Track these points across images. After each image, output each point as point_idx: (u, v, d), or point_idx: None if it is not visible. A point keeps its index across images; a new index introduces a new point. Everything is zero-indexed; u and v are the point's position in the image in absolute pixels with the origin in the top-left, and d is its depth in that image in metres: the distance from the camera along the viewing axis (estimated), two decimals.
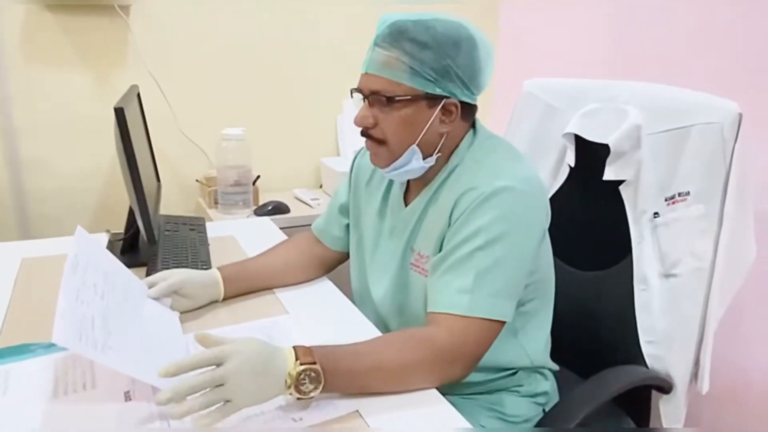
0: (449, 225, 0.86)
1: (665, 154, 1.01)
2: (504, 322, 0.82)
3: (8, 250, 1.21)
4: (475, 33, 0.86)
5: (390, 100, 0.85)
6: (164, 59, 1.79)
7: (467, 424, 0.72)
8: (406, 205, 0.97)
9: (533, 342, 0.96)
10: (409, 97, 0.84)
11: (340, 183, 1.14)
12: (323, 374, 0.70)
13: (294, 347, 0.71)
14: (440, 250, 0.87)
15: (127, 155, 1.01)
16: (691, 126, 0.98)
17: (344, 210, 1.11)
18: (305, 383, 0.69)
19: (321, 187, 2.08)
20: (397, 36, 0.83)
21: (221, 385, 0.65)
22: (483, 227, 0.81)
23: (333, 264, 1.15)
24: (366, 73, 0.87)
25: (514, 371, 0.96)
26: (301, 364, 0.69)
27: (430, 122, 0.86)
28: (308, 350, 0.72)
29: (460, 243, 0.83)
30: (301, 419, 0.71)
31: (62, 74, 1.70)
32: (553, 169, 1.19)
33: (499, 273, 0.81)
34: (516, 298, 0.85)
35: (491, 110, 2.19)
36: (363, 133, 0.90)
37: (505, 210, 0.82)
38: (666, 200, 1.02)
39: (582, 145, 1.11)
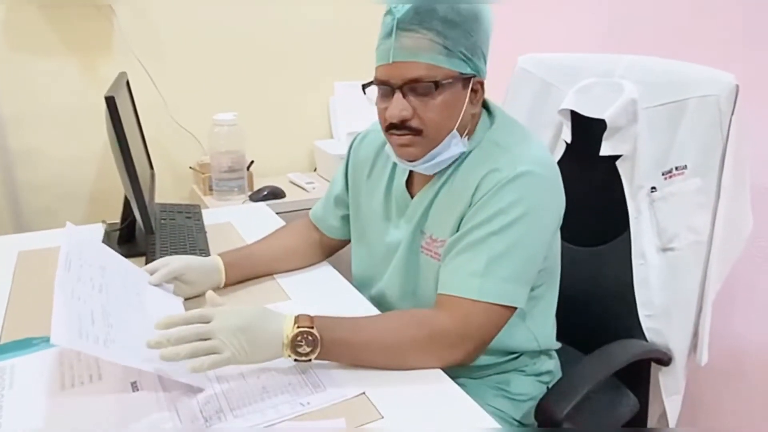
0: (470, 205, 0.84)
1: (662, 127, 1.01)
2: (515, 308, 0.81)
3: (4, 244, 1.20)
4: (486, 6, 0.83)
5: (436, 86, 0.79)
6: (152, 45, 1.76)
7: (474, 404, 0.73)
8: (409, 192, 0.94)
9: (541, 326, 0.96)
10: (450, 80, 0.79)
11: (337, 172, 1.11)
12: (321, 340, 0.73)
13: (296, 315, 0.75)
14: (458, 231, 0.85)
15: (120, 144, 0.99)
16: (688, 99, 0.98)
17: (340, 201, 1.09)
18: (302, 345, 0.73)
19: (315, 170, 2.07)
20: (426, 16, 0.77)
21: (209, 339, 0.69)
22: (501, 210, 0.80)
23: (333, 249, 1.15)
24: (393, 63, 0.79)
25: (521, 353, 0.96)
26: (299, 327, 0.73)
27: (465, 105, 0.83)
28: (309, 317, 0.75)
29: (477, 225, 0.81)
30: (308, 404, 0.71)
31: (49, 64, 1.67)
32: (549, 146, 1.19)
33: (513, 258, 0.80)
34: (529, 284, 0.84)
35: (491, 86, 2.17)
36: (393, 127, 0.83)
37: (525, 194, 0.80)
38: (663, 174, 1.02)
39: (578, 121, 1.10)
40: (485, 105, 0.91)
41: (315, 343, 0.73)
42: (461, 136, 0.86)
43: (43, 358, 0.78)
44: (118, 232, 1.22)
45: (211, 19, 1.82)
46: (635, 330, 1.04)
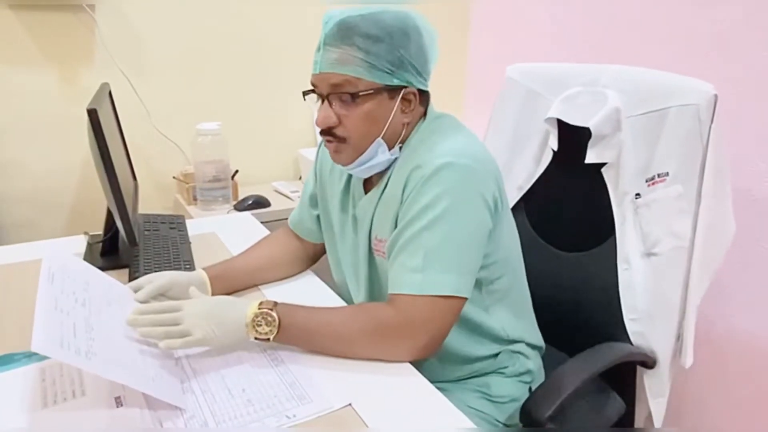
0: (401, 203, 0.87)
1: (644, 136, 1.03)
2: (462, 299, 0.83)
3: None
4: (419, 21, 0.87)
5: (354, 96, 0.84)
6: (134, 55, 1.74)
7: (458, 412, 0.73)
8: (366, 194, 0.97)
9: (507, 318, 0.98)
10: (371, 91, 0.85)
11: (309, 173, 1.14)
12: (278, 321, 0.80)
13: (262, 300, 0.82)
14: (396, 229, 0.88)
15: (103, 157, 0.98)
16: (668, 108, 0.99)
17: (313, 201, 1.11)
18: (261, 325, 0.80)
19: (300, 178, 2.07)
20: (347, 32, 0.83)
21: (180, 324, 0.78)
22: (428, 205, 0.83)
23: (315, 256, 1.15)
24: (321, 73, 0.85)
25: (496, 352, 0.98)
26: (260, 308, 0.80)
27: (393, 113, 0.87)
28: (273, 302, 0.82)
29: (408, 222, 0.84)
30: (294, 416, 0.71)
31: (29, 74, 1.64)
32: (536, 154, 1.21)
33: (449, 249, 0.82)
34: (472, 273, 0.86)
35: (474, 96, 2.19)
36: (324, 132, 0.89)
37: (447, 186, 0.83)
38: (647, 181, 1.03)
39: (564, 129, 1.12)
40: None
41: (273, 324, 0.80)
42: (393, 143, 0.90)
43: (24, 374, 0.77)
44: (100, 244, 1.20)
45: (194, 28, 1.81)
46: (620, 333, 1.05)
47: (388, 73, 0.84)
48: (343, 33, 0.83)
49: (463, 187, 0.84)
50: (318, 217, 1.11)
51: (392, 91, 0.86)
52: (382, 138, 0.88)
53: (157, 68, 1.79)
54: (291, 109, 2.03)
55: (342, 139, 0.88)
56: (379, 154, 0.89)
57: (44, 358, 0.78)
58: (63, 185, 1.76)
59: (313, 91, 0.89)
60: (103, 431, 0.67)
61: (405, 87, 0.87)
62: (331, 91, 0.85)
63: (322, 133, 0.90)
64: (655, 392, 1.05)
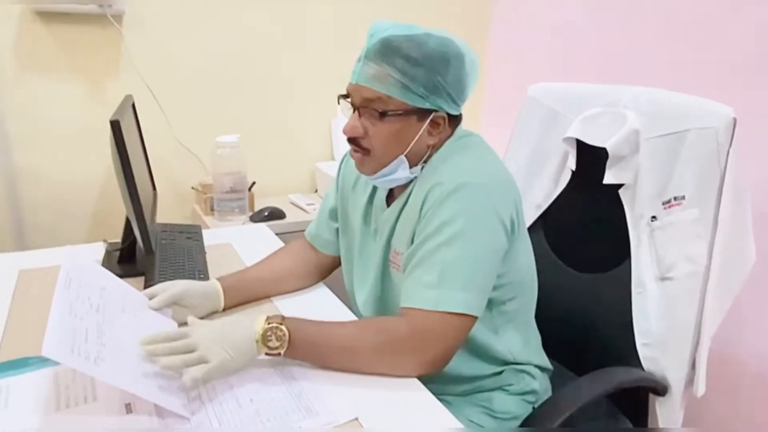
0: (420, 218, 0.88)
1: (662, 158, 1.02)
2: (474, 317, 0.83)
3: (5, 262, 1.20)
4: (463, 48, 0.89)
5: (382, 114, 0.86)
6: (158, 68, 1.79)
7: (462, 429, 0.73)
8: (388, 207, 0.98)
9: (515, 340, 0.98)
10: (400, 112, 0.86)
11: (330, 187, 1.15)
12: (288, 336, 0.79)
13: (268, 315, 0.81)
14: (413, 243, 0.89)
15: (124, 168, 1.01)
16: (687, 131, 0.99)
17: (334, 214, 1.13)
18: (271, 339, 0.79)
19: (316, 191, 2.08)
20: (389, 52, 0.84)
21: (195, 351, 0.75)
22: (446, 222, 0.84)
23: (328, 269, 1.16)
24: (356, 84, 0.87)
25: (501, 370, 0.98)
26: (269, 323, 0.79)
27: (419, 135, 0.89)
28: (280, 316, 0.81)
29: (426, 238, 0.85)
30: (300, 428, 0.71)
31: (56, 85, 1.69)
32: (555, 173, 1.21)
33: (465, 267, 0.83)
34: (485, 293, 0.86)
35: (491, 114, 2.20)
36: (350, 141, 0.91)
37: (466, 205, 0.84)
38: (663, 204, 1.02)
39: (584, 149, 1.12)
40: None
41: (283, 339, 0.79)
42: (415, 162, 0.92)
43: (38, 378, 0.78)
44: (118, 252, 1.23)
45: (216, 43, 1.86)
46: (632, 358, 1.03)
47: (421, 96, 0.86)
48: (385, 51, 0.84)
49: (481, 207, 0.84)
50: (337, 230, 1.12)
51: (422, 113, 0.87)
52: (405, 156, 0.89)
53: (180, 81, 1.83)
54: (309, 124, 2.06)
55: (366, 151, 0.90)
56: (399, 171, 0.91)
57: (58, 362, 0.80)
58: (85, 193, 1.80)
59: (346, 96, 0.91)
60: None
61: (435, 111, 0.88)
62: (362, 104, 0.88)
63: (348, 140, 0.92)
64: (667, 420, 1.03)
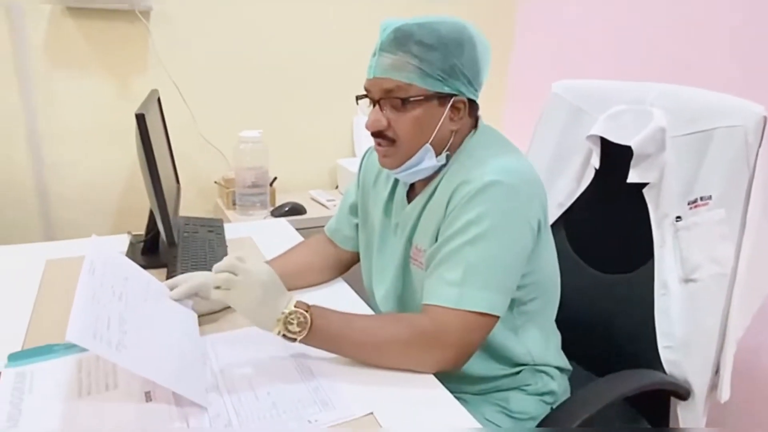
0: (445, 216, 0.88)
1: (689, 157, 1.00)
2: (496, 317, 0.83)
3: (33, 252, 1.23)
4: (474, 33, 0.88)
5: (404, 102, 0.86)
6: (184, 63, 1.82)
7: (478, 427, 0.72)
8: (409, 202, 0.98)
9: (535, 341, 0.97)
10: (421, 97, 0.86)
11: (351, 183, 1.16)
12: (310, 324, 0.79)
13: (297, 299, 0.82)
14: (436, 242, 0.89)
15: (148, 161, 1.02)
16: (715, 129, 0.96)
17: (354, 209, 1.13)
18: (293, 324, 0.79)
19: (337, 188, 2.09)
20: (403, 40, 0.85)
21: (228, 288, 0.79)
22: (472, 221, 0.83)
23: (347, 264, 1.16)
24: (374, 78, 0.88)
25: (519, 370, 0.97)
26: (295, 307, 0.80)
27: (441, 121, 0.88)
28: (306, 303, 0.82)
29: (451, 236, 0.85)
30: (316, 421, 0.71)
31: (84, 79, 1.73)
32: (578, 171, 1.19)
33: (489, 267, 0.82)
34: (508, 293, 0.86)
35: (514, 110, 2.18)
36: (374, 135, 0.92)
37: (493, 204, 0.83)
38: (689, 204, 1.00)
39: (608, 148, 1.10)
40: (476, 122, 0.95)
41: (304, 325, 0.79)
42: (440, 150, 0.91)
43: (62, 364, 0.80)
44: (142, 243, 1.25)
45: (241, 39, 1.88)
46: (654, 361, 1.01)
47: (439, 80, 0.85)
48: (399, 40, 0.85)
49: (509, 207, 0.84)
50: (356, 225, 1.12)
51: (442, 98, 0.87)
52: (430, 144, 0.89)
53: (205, 77, 1.86)
54: (331, 120, 2.07)
55: (391, 142, 0.90)
56: (426, 160, 0.90)
57: (82, 350, 0.82)
58: (111, 187, 1.84)
59: (365, 95, 0.91)
60: (132, 424, 0.69)
61: (455, 95, 0.88)
62: (382, 96, 0.87)
63: (372, 135, 0.92)
64: (689, 425, 1.01)
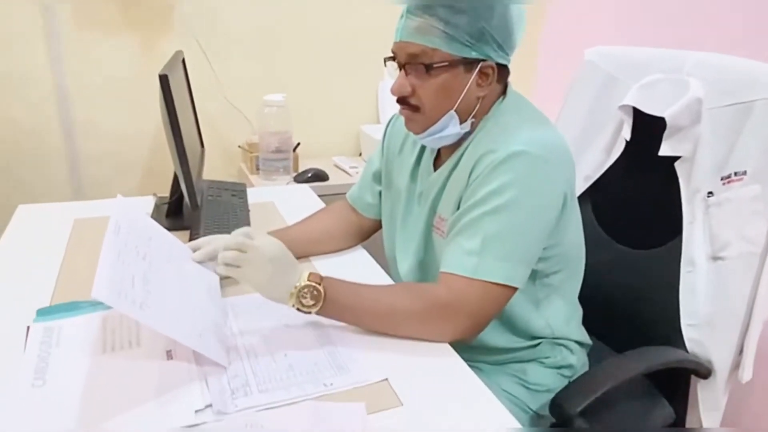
0: (467, 185, 0.86)
1: (725, 130, 0.96)
2: (514, 288, 0.82)
3: (62, 211, 1.27)
4: None
5: (428, 68, 0.84)
6: (209, 26, 1.80)
7: (493, 399, 0.72)
8: (435, 171, 0.97)
9: (556, 314, 0.96)
10: (446, 63, 0.83)
11: (374, 150, 1.15)
12: (324, 297, 0.80)
13: (310, 272, 0.82)
14: (458, 210, 0.87)
15: (171, 122, 1.03)
16: (755, 101, 0.92)
17: (377, 177, 1.12)
18: (306, 297, 0.79)
19: (360, 155, 2.08)
20: (430, 2, 0.82)
21: (238, 266, 0.80)
22: (494, 191, 0.81)
23: (368, 232, 1.16)
24: (400, 41, 0.86)
25: (537, 342, 0.97)
26: (308, 281, 0.80)
27: (467, 87, 0.86)
28: (319, 275, 0.81)
29: (472, 205, 0.83)
30: (332, 384, 0.72)
31: (112, 39, 1.74)
32: (608, 143, 1.15)
33: (509, 238, 0.81)
34: (529, 265, 0.85)
35: (546, 78, 2.12)
36: (399, 101, 0.90)
37: (518, 175, 0.81)
38: (722, 179, 0.97)
39: (640, 119, 1.06)
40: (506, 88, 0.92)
41: (318, 298, 0.80)
42: (466, 117, 0.89)
43: (88, 321, 0.83)
44: (166, 205, 1.27)
45: (268, 2, 1.85)
46: (676, 338, 1.00)
47: (467, 45, 0.83)
48: (426, 2, 0.82)
49: (534, 179, 0.82)
50: (378, 193, 1.11)
51: (469, 64, 0.84)
52: (455, 111, 0.87)
53: (231, 40, 1.84)
54: (355, 86, 2.04)
55: (415, 108, 0.88)
56: (450, 127, 0.88)
57: (107, 307, 0.84)
58: (139, 148, 1.86)
59: (393, 58, 0.89)
60: (153, 381, 0.71)
61: (483, 60, 0.85)
62: (408, 60, 0.85)
63: (397, 101, 0.90)
64: (708, 405, 0.99)
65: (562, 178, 0.86)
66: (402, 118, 1.03)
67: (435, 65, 0.83)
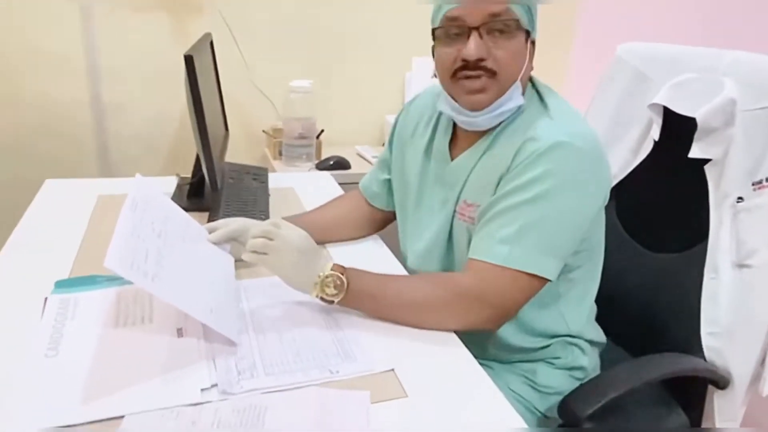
0: (508, 171, 0.83)
1: (760, 133, 0.92)
2: (545, 280, 0.80)
3: (87, 187, 1.29)
4: None
5: (506, 30, 0.80)
6: (239, 9, 1.81)
7: (500, 395, 0.71)
8: (451, 156, 0.94)
9: (574, 311, 0.94)
10: (519, 28, 0.82)
11: (388, 138, 1.13)
12: (347, 287, 0.80)
13: (334, 262, 0.82)
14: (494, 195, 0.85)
15: (195, 103, 1.03)
16: None
17: (384, 165, 1.11)
18: (329, 287, 0.80)
19: (383, 145, 2.06)
20: None
21: (265, 253, 0.81)
22: (535, 180, 0.79)
23: (380, 222, 1.15)
24: (472, 2, 0.80)
25: (550, 343, 0.95)
26: (332, 270, 0.80)
27: (527, 58, 0.84)
28: (342, 266, 0.82)
29: (511, 192, 0.81)
30: (338, 372, 0.72)
31: (143, 20, 1.76)
32: (636, 143, 1.12)
33: (546, 229, 0.79)
34: (563, 259, 0.82)
35: (578, 73, 2.07)
36: (470, 67, 0.82)
37: (561, 166, 0.79)
38: (753, 185, 0.93)
39: (670, 119, 1.03)
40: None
41: (341, 288, 0.80)
42: (522, 91, 0.86)
43: (104, 295, 0.84)
44: (188, 186, 1.28)
45: None
46: (695, 346, 0.97)
47: (528, 13, 0.82)
48: None
49: (576, 171, 0.80)
50: (385, 182, 1.10)
51: (527, 34, 0.83)
52: (520, 81, 0.84)
53: (260, 24, 1.85)
54: (382, 76, 2.03)
55: (492, 73, 0.82)
56: (513, 98, 0.84)
57: (123, 283, 0.86)
58: (166, 128, 1.89)
59: (457, 22, 0.81)
60: (163, 357, 0.72)
61: (530, 33, 0.83)
62: (486, 20, 0.79)
63: (466, 68, 0.82)
64: (725, 415, 0.96)
65: (605, 175, 0.84)
66: (417, 103, 1.02)
67: (515, 27, 0.80)
